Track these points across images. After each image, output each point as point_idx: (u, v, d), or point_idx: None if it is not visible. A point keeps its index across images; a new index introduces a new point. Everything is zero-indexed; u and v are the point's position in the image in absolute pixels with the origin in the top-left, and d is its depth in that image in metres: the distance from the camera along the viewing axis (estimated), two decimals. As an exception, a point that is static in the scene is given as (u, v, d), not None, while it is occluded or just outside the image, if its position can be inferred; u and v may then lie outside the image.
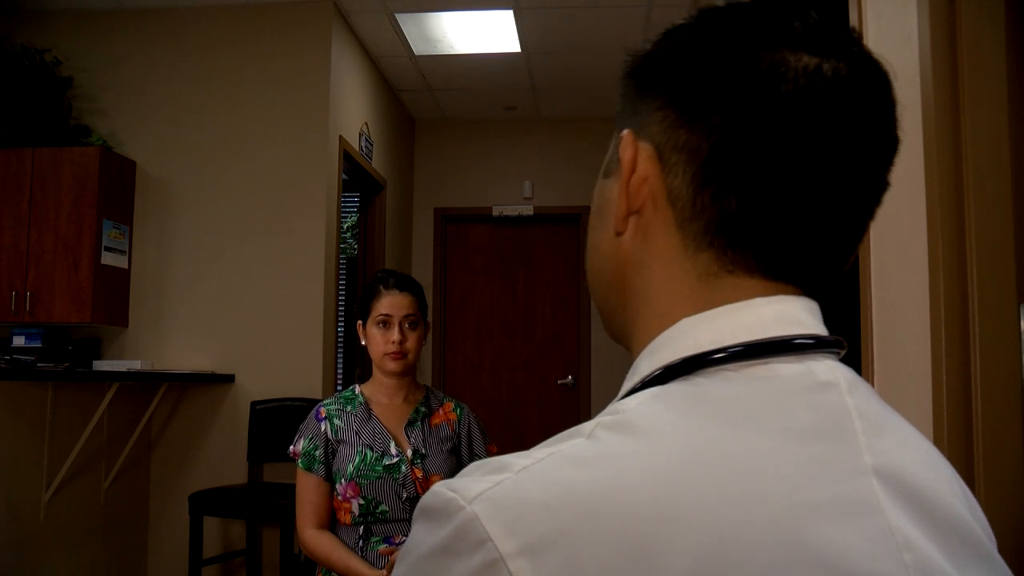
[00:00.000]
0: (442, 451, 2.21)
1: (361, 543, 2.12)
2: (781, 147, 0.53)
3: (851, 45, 0.55)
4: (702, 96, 0.55)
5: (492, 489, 0.47)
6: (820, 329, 0.56)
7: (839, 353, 0.57)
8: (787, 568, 0.45)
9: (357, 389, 2.28)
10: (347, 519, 2.14)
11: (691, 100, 0.55)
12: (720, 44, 0.55)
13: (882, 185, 0.57)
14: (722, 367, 0.53)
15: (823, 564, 0.46)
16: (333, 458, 2.17)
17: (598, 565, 0.44)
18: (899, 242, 1.72)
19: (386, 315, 2.20)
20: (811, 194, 0.54)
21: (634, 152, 0.58)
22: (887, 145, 0.56)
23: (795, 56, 0.53)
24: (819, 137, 0.53)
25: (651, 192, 0.57)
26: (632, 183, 0.58)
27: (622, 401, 0.54)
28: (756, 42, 0.54)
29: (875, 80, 0.56)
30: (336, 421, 2.20)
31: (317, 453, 2.16)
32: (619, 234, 0.60)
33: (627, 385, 0.57)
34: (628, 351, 0.62)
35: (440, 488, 0.49)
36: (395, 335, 2.19)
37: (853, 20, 1.97)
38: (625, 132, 0.59)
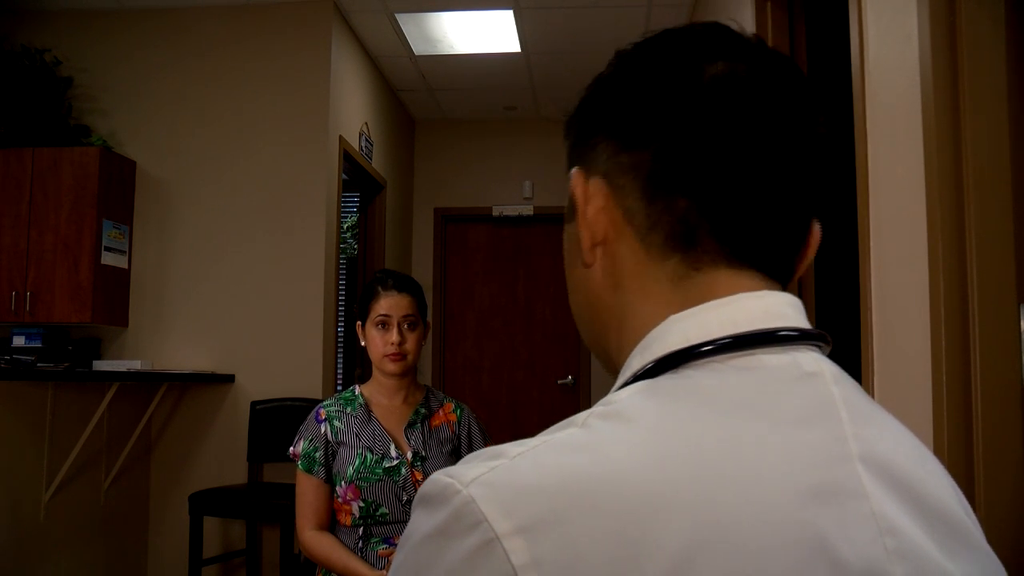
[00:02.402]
0: (442, 453, 2.21)
1: (361, 544, 2.12)
2: (710, 140, 0.57)
3: (756, 50, 0.60)
4: (634, 117, 0.60)
5: (488, 473, 0.48)
6: (803, 323, 0.58)
7: (823, 347, 0.58)
8: (776, 551, 0.46)
9: (357, 390, 2.27)
10: (347, 521, 2.13)
11: (626, 124, 0.60)
12: (643, 68, 0.61)
13: (813, 161, 0.60)
14: (710, 359, 0.54)
15: (811, 548, 0.47)
16: (333, 460, 2.17)
17: (592, 545, 0.45)
18: (899, 242, 1.72)
19: (385, 316, 2.20)
20: (747, 176, 0.57)
21: (584, 185, 0.62)
22: (805, 125, 0.59)
23: (711, 63, 0.58)
24: (742, 125, 0.57)
25: (610, 218, 0.61)
26: (590, 215, 0.61)
27: (615, 394, 0.55)
28: (673, 59, 0.60)
29: (778, 77, 0.59)
30: (336, 423, 2.20)
31: (317, 455, 2.16)
32: (588, 266, 0.63)
33: (619, 380, 0.59)
34: (612, 367, 0.64)
35: (438, 475, 0.50)
36: (394, 336, 2.19)
37: (853, 20, 1.97)
38: (574, 170, 0.63)
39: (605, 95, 0.63)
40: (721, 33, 0.61)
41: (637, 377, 0.56)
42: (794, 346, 0.56)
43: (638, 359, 0.58)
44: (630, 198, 0.59)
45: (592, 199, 0.61)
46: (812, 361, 0.55)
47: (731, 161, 0.57)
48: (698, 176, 0.57)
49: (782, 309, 0.57)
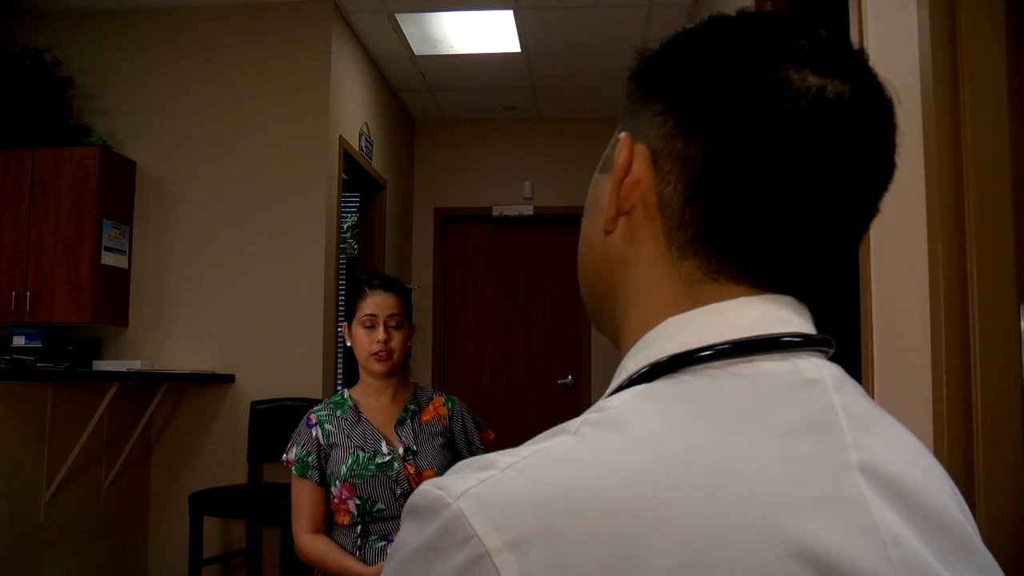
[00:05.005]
0: (434, 446, 2.22)
1: (360, 542, 2.12)
2: (776, 166, 0.53)
3: (857, 66, 0.55)
4: (701, 107, 0.55)
5: (478, 486, 0.47)
6: (807, 327, 0.56)
7: (827, 352, 0.57)
8: (774, 565, 0.45)
9: (345, 393, 2.29)
10: (345, 520, 2.14)
11: (690, 110, 0.55)
12: (724, 55, 0.55)
13: (871, 211, 0.58)
14: (708, 365, 0.53)
15: (810, 561, 0.46)
16: (326, 462, 2.18)
17: (584, 561, 0.45)
18: (899, 242, 1.72)
19: (371, 315, 2.22)
20: (801, 214, 0.54)
21: (629, 155, 0.58)
22: (883, 172, 0.57)
23: (799, 74, 0.53)
24: (815, 158, 0.53)
25: (642, 196, 0.58)
26: (624, 186, 0.58)
27: (608, 399, 0.54)
28: (761, 57, 0.54)
29: (878, 105, 0.56)
30: (327, 426, 2.21)
31: (310, 459, 2.17)
32: (608, 233, 0.60)
33: (614, 383, 0.58)
34: (613, 344, 0.63)
35: (427, 487, 0.49)
36: (380, 335, 2.20)
37: (853, 20, 1.97)
38: (622, 134, 0.59)
39: (681, 60, 0.57)
40: (833, 39, 0.55)
41: (632, 381, 0.55)
42: (796, 352, 0.54)
43: (633, 361, 0.57)
44: (670, 187, 0.56)
45: (631, 171, 0.58)
46: (813, 368, 0.54)
47: (791, 193, 0.54)
48: (749, 197, 0.54)
49: (784, 314, 0.56)
